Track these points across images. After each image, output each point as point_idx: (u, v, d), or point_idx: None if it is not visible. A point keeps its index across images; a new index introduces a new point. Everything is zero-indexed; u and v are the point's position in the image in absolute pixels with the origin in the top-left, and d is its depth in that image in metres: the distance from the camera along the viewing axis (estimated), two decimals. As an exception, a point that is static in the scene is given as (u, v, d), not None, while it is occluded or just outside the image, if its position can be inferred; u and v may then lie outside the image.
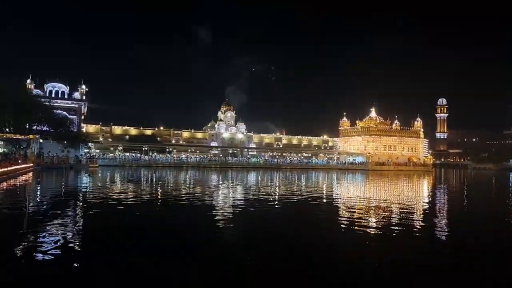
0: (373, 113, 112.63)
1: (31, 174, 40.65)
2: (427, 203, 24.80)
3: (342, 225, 14.78)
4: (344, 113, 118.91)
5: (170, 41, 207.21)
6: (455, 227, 15.62)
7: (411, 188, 39.87)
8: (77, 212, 17.05)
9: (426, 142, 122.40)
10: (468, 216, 19.82)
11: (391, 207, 20.76)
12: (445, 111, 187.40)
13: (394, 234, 13.22)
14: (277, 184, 37.32)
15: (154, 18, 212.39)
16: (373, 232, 13.44)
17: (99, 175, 45.10)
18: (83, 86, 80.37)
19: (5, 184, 28.57)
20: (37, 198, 21.41)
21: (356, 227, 13.91)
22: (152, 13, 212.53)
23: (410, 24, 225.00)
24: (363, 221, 15.67)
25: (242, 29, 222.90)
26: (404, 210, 19.81)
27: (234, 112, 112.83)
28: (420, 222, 16.43)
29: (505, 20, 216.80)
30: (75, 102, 79.19)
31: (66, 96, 78.72)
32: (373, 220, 16.08)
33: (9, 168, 34.85)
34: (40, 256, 9.14)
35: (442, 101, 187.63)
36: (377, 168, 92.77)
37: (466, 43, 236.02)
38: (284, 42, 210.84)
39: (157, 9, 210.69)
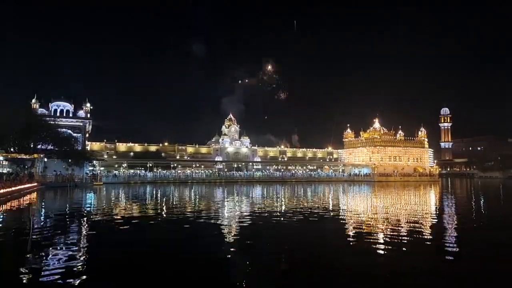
0: (376, 124, 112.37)
1: (35, 193, 40.55)
2: (437, 214, 24.33)
3: (352, 239, 14.43)
4: (348, 125, 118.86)
5: (170, 57, 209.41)
6: (467, 238, 15.20)
7: (419, 199, 39.30)
8: (81, 233, 16.82)
9: (431, 152, 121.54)
10: (480, 226, 19.35)
11: (400, 219, 20.35)
12: (448, 120, 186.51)
13: (404, 249, 12.85)
14: (284, 198, 36.93)
15: (154, 35, 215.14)
16: (383, 246, 13.08)
17: (104, 193, 44.93)
18: (88, 104, 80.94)
19: (9, 204, 28.45)
20: (41, 218, 21.22)
21: (366, 240, 13.57)
22: (152, 29, 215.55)
23: (412, 33, 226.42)
24: (373, 234, 15.31)
25: (242, 42, 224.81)
26: (414, 222, 19.39)
27: (238, 126, 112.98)
28: (431, 233, 16.03)
29: (505, 27, 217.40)
30: (79, 120, 79.66)
31: (71, 115, 79.24)
32: (383, 232, 15.71)
33: (13, 188, 34.78)
34: (43, 278, 8.90)
35: (445, 110, 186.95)
36: (383, 179, 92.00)
37: (468, 50, 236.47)
38: (287, 55, 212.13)
39: (157, 26, 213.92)
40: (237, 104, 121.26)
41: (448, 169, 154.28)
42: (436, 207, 29.31)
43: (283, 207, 27.76)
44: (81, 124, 79.83)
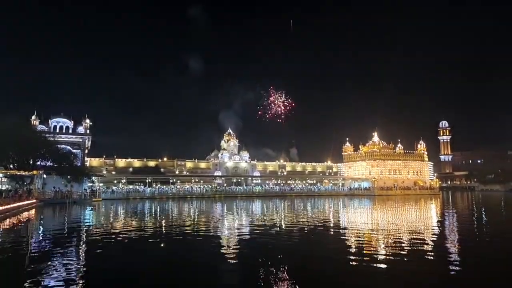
0: (375, 138, 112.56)
1: (34, 210, 40.26)
2: (441, 230, 24.13)
3: (354, 256, 14.28)
4: (347, 138, 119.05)
5: (169, 73, 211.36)
6: (472, 257, 15.04)
7: (420, 213, 39.06)
8: (79, 249, 16.64)
9: (431, 165, 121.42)
10: (484, 242, 19.18)
11: (403, 235, 20.18)
12: (447, 133, 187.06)
13: (407, 266, 12.72)
14: (283, 213, 36.68)
15: (152, 51, 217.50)
16: (387, 262, 12.94)
17: (102, 209, 44.62)
18: (87, 120, 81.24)
19: (7, 221, 28.21)
20: (39, 236, 21.01)
21: (368, 256, 13.42)
22: (150, 45, 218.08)
23: (410, 49, 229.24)
24: (376, 249, 15.15)
25: (240, 58, 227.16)
26: (417, 237, 19.23)
27: (237, 141, 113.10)
28: (436, 249, 15.86)
29: (502, 41, 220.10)
30: (79, 136, 79.84)
31: (70, 131, 79.48)
32: (386, 248, 15.56)
33: (11, 205, 34.57)
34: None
35: (443, 123, 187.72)
36: (383, 193, 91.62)
37: (465, 64, 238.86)
38: (285, 69, 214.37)
39: (155, 42, 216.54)
40: (235, 119, 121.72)
41: (449, 182, 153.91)
42: (439, 223, 29.04)
43: (283, 223, 27.56)
44: (80, 140, 79.99)
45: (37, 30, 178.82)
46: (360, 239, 18.72)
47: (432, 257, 13.96)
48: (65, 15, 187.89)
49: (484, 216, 33.55)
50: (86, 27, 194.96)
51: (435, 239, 18.93)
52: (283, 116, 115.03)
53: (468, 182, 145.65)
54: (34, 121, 75.29)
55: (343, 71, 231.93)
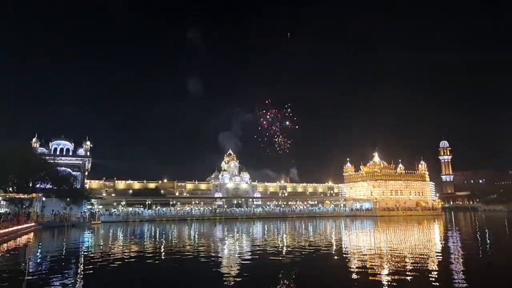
0: (376, 158, 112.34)
1: (32, 234, 39.74)
2: (447, 255, 23.65)
3: (358, 281, 13.97)
4: (348, 159, 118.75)
5: (168, 95, 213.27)
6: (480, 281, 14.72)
7: (425, 236, 38.51)
8: (77, 274, 16.30)
9: (432, 185, 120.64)
10: (493, 271, 18.79)
11: (407, 259, 19.81)
12: (448, 153, 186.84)
13: None
14: (285, 237, 36.17)
15: (151, 73, 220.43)
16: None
17: (101, 232, 44.07)
18: (88, 142, 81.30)
19: (5, 245, 27.80)
20: (38, 260, 20.64)
21: (373, 282, 13.11)
22: (150, 67, 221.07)
23: (409, 69, 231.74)
24: (381, 274, 14.83)
25: (240, 79, 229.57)
26: (422, 262, 18.87)
27: (238, 161, 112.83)
28: (441, 275, 15.53)
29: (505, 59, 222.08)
30: (79, 158, 79.73)
31: (70, 153, 79.44)
32: (390, 273, 15.24)
33: (10, 229, 34.15)
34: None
35: (444, 143, 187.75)
36: (385, 214, 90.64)
37: (464, 83, 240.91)
38: (285, 90, 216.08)
39: (155, 65, 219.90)
40: (234, 140, 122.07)
41: (451, 203, 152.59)
42: (445, 248, 28.33)
43: (284, 247, 27.15)
44: (80, 162, 79.81)
45: (38, 56, 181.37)
46: (365, 267, 18.34)
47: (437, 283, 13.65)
48: (71, 46, 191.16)
49: (489, 239, 33.04)
50: (90, 51, 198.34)
51: (443, 266, 18.47)
52: (281, 137, 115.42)
53: (471, 202, 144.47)
54: (35, 144, 75.31)
55: (343, 90, 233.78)
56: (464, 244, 27.59)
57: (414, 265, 16.88)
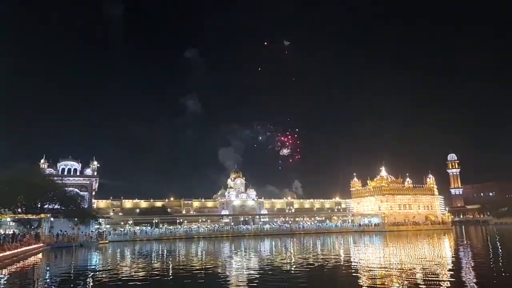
0: (383, 172, 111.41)
1: (40, 254, 39.81)
2: (458, 269, 23.32)
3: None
4: (354, 174, 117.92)
5: (167, 117, 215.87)
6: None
7: (435, 251, 37.93)
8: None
9: (441, 199, 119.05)
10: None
11: (418, 275, 19.56)
12: (456, 166, 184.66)
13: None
14: (294, 254, 35.84)
15: (153, 91, 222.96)
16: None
17: (109, 251, 44.01)
18: (95, 162, 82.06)
19: (14, 266, 27.90)
20: (46, 281, 20.69)
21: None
22: (151, 86, 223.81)
23: (416, 80, 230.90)
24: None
25: (242, 95, 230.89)
26: (434, 279, 18.60)
27: (244, 178, 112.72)
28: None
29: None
30: (86, 178, 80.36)
31: (78, 173, 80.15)
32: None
33: (18, 250, 34.31)
34: None
35: (452, 156, 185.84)
36: (394, 229, 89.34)
37: (471, 95, 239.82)
38: (287, 105, 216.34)
39: (155, 83, 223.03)
40: (235, 156, 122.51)
41: (461, 216, 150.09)
42: (455, 262, 27.92)
43: (293, 265, 26.92)
44: (87, 182, 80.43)
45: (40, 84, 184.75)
46: (375, 284, 18.11)
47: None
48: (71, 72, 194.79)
49: (502, 254, 32.47)
50: (91, 72, 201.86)
51: (455, 285, 18.02)
52: (285, 152, 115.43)
53: (481, 216, 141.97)
54: (43, 165, 76.23)
55: (348, 106, 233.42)
56: (476, 261, 27.11)
57: (426, 282, 16.66)
